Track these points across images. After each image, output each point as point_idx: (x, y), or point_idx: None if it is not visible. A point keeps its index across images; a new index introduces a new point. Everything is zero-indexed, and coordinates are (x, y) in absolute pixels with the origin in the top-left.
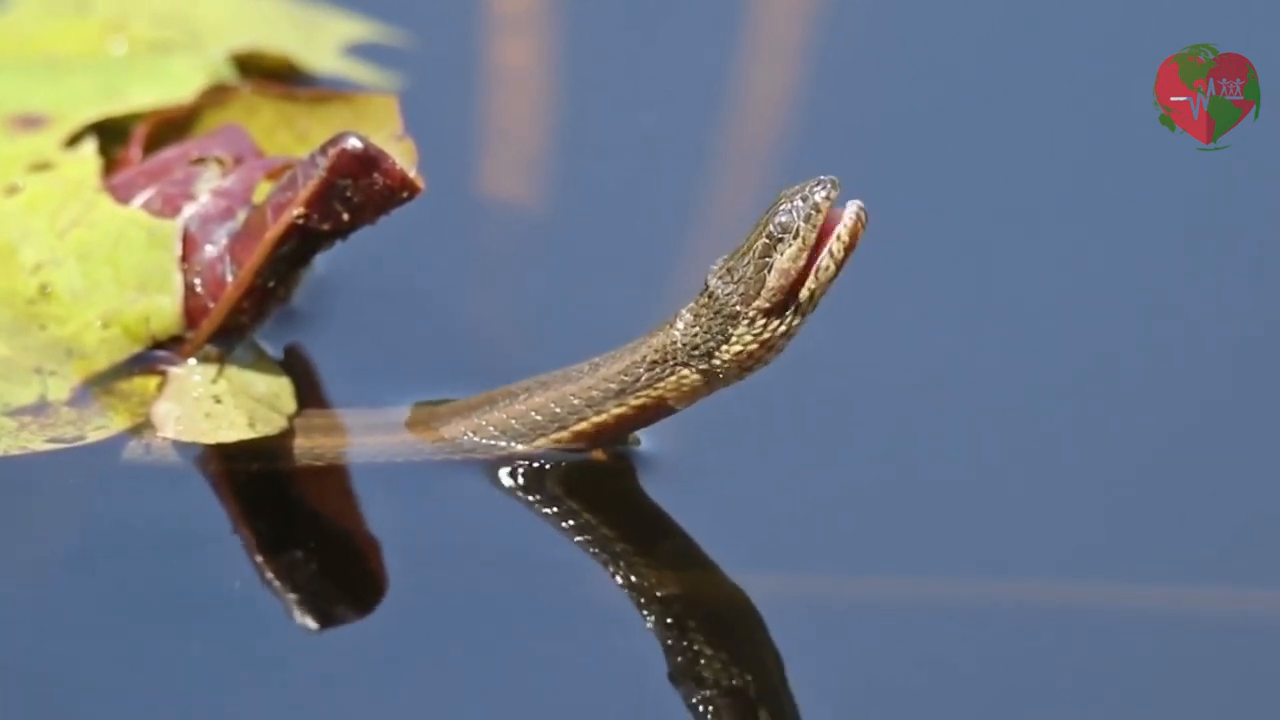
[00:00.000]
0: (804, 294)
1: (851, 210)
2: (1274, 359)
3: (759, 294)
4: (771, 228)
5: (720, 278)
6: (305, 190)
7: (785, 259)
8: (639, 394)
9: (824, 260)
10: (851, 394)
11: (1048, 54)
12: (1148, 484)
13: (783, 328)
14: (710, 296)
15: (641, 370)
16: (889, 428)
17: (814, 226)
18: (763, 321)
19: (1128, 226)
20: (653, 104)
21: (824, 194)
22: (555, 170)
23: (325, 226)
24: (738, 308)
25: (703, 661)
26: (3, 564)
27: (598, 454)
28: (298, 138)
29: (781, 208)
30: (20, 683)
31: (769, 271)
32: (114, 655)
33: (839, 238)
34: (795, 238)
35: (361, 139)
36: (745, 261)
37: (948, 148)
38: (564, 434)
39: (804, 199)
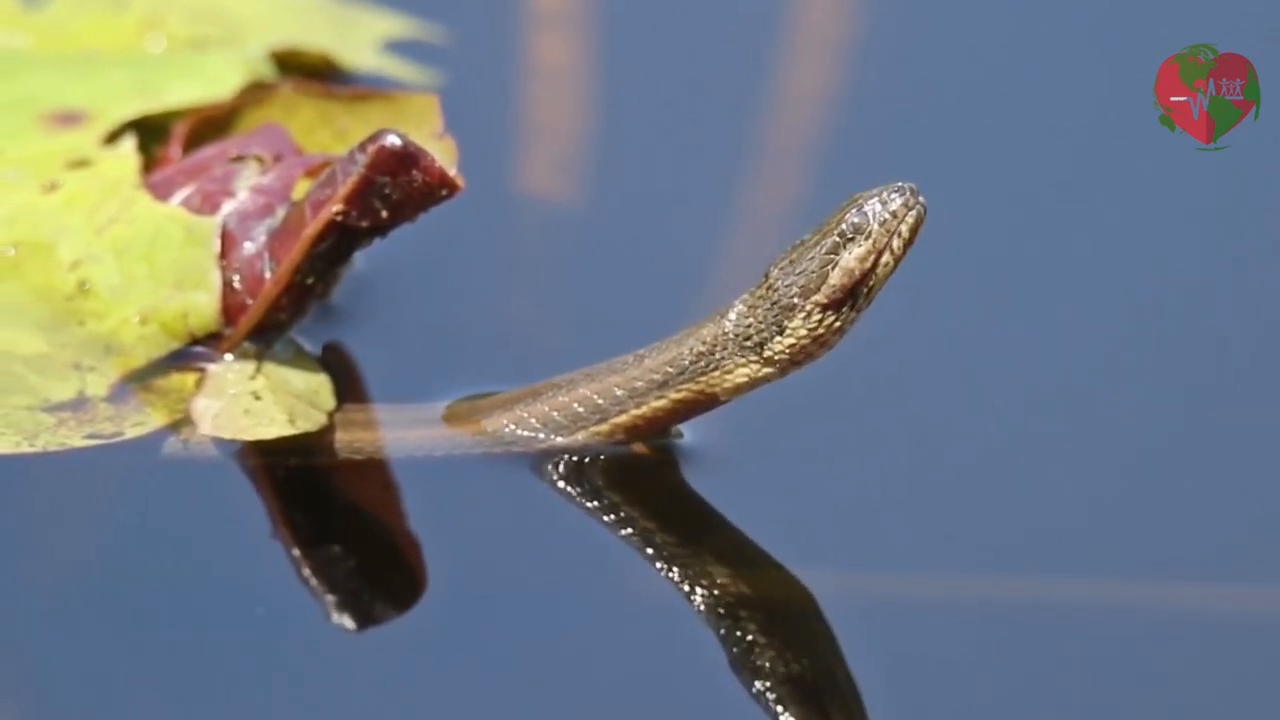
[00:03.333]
0: (862, 290)
1: (913, 207)
2: None
3: (819, 288)
4: (844, 226)
5: (782, 269)
6: (344, 187)
7: (852, 258)
8: (683, 386)
9: (884, 257)
10: (894, 387)
11: (1073, 52)
12: (1203, 481)
13: (838, 323)
14: (769, 288)
15: (688, 361)
16: (931, 422)
17: (887, 232)
18: (819, 316)
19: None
20: (691, 100)
21: (901, 201)
22: (594, 167)
23: (364, 224)
24: (795, 300)
25: (754, 651)
26: (41, 560)
27: (639, 447)
28: (337, 136)
29: (857, 208)
30: (56, 678)
31: (833, 268)
32: (150, 652)
33: (900, 235)
34: (867, 239)
35: (400, 136)
36: (809, 255)
37: (981, 144)
38: (604, 426)
39: (881, 203)
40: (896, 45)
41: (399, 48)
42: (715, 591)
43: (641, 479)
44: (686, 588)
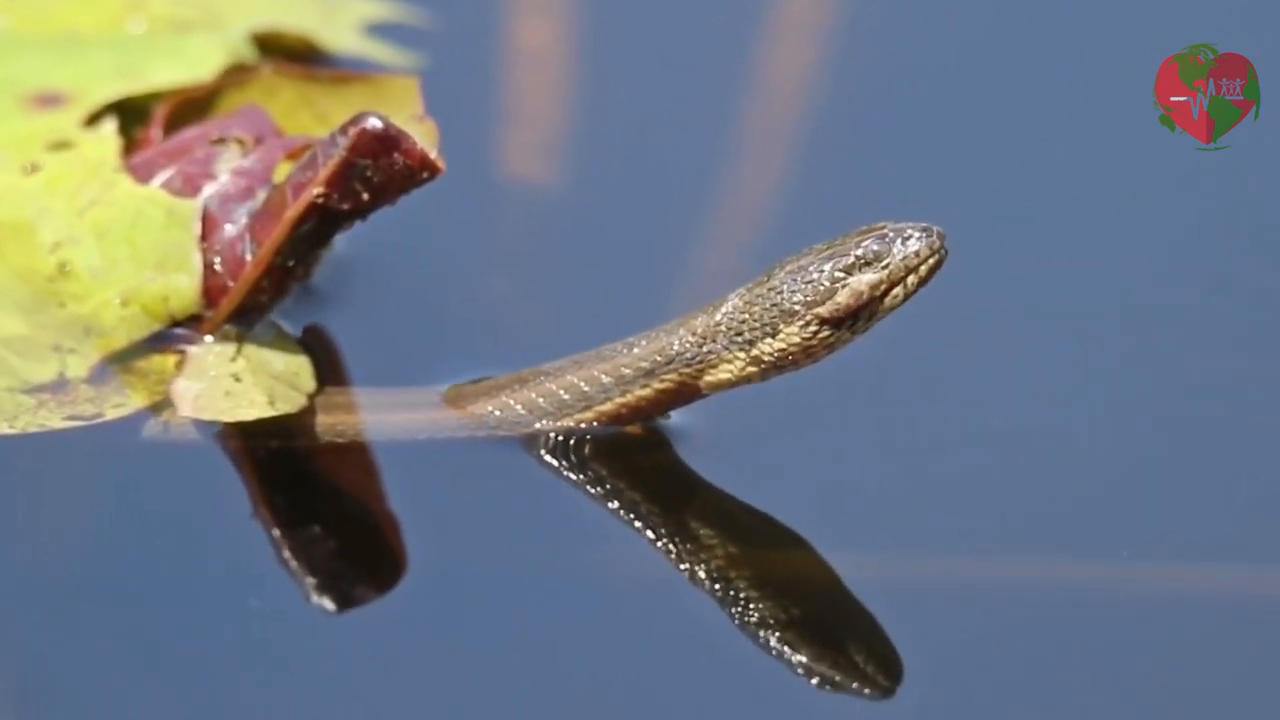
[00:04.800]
0: (864, 315)
1: (937, 251)
2: None
3: (824, 302)
4: (862, 250)
5: (788, 272)
6: (325, 170)
7: (864, 282)
8: (668, 375)
9: (896, 289)
10: (881, 372)
11: (1070, 50)
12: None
13: (831, 339)
14: (770, 288)
15: (676, 350)
16: (919, 408)
17: (906, 268)
18: (815, 328)
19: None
20: (673, 85)
21: (926, 243)
22: (576, 151)
23: (345, 206)
24: (797, 308)
25: (752, 606)
26: (21, 542)
27: (631, 428)
28: (318, 118)
29: (880, 235)
30: (36, 661)
31: (842, 287)
32: (131, 635)
33: (917, 273)
34: (884, 268)
35: (382, 119)
36: (819, 267)
37: (968, 134)
38: (588, 414)
39: (906, 241)
40: (880, 30)
41: (380, 30)
42: (703, 555)
43: (629, 458)
44: (675, 557)
